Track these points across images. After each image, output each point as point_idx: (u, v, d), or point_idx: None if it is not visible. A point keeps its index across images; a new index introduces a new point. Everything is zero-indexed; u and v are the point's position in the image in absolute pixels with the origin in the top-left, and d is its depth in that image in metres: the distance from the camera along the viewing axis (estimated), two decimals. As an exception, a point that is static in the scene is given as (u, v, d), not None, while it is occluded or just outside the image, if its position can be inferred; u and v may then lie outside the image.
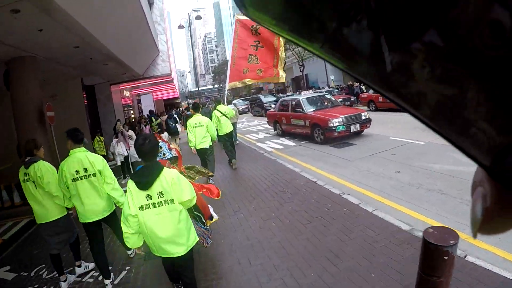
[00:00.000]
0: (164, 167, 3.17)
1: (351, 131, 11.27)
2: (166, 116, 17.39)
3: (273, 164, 9.64)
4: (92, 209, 4.35)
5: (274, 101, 27.51)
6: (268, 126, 17.27)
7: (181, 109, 35.31)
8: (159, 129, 12.20)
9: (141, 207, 3.04)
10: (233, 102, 30.46)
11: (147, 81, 23.08)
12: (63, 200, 4.51)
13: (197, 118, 8.56)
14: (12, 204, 10.51)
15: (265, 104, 28.07)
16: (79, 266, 5.04)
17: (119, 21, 10.41)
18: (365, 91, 23.09)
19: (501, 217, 0.26)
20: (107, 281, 4.47)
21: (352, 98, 22.32)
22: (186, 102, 75.14)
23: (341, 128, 11.10)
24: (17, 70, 9.11)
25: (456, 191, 5.74)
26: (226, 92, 12.57)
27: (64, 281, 4.69)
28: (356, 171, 7.94)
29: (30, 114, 9.30)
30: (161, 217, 3.06)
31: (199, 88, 62.04)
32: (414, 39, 0.25)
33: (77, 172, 4.26)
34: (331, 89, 27.42)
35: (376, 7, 0.25)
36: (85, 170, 4.27)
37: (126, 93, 24.83)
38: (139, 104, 32.13)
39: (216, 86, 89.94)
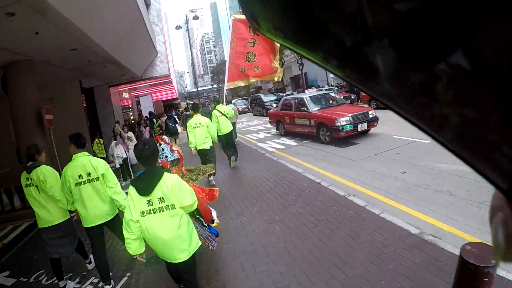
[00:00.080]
0: (165, 172, 3.16)
1: (359, 130, 10.94)
2: (166, 117, 17.26)
3: (275, 165, 9.49)
4: (95, 213, 4.39)
5: (275, 100, 27.30)
6: (269, 125, 17.13)
7: (180, 109, 35.20)
8: (160, 131, 12.13)
9: (142, 213, 3.04)
10: (232, 101, 30.08)
11: (146, 83, 23.02)
12: (66, 204, 4.55)
13: (197, 119, 8.51)
14: (13, 207, 10.57)
15: (266, 104, 27.69)
16: (89, 262, 5.21)
17: (116, 22, 10.37)
18: (366, 89, 22.91)
19: None
20: (107, 287, 4.46)
21: (353, 96, 22.00)
22: (185, 103, 75.10)
23: (348, 127, 10.76)
24: (14, 74, 9.12)
25: (465, 192, 5.58)
26: (225, 92, 12.47)
27: (63, 287, 4.71)
28: (360, 171, 7.78)
29: (28, 118, 9.34)
30: (162, 223, 3.05)
31: (198, 89, 61.89)
32: (439, 60, 0.24)
33: (80, 176, 4.29)
34: (331, 87, 27.12)
35: (400, 26, 0.24)
36: (88, 174, 4.31)
37: (125, 95, 24.77)
38: (139, 106, 32.06)
39: (215, 86, 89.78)
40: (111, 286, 4.48)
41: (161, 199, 3.02)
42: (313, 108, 12.48)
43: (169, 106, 45.89)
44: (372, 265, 3.91)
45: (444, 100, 0.25)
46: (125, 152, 10.56)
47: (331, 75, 34.13)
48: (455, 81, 0.23)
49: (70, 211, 4.76)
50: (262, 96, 30.64)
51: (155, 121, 17.50)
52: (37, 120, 9.48)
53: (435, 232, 4.55)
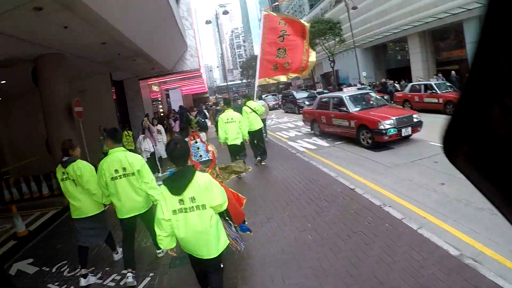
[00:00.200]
0: (197, 172, 3.19)
1: (403, 135, 10.17)
2: (196, 111, 17.10)
3: (307, 166, 9.21)
4: (130, 205, 4.55)
5: (307, 97, 26.66)
6: (299, 123, 16.80)
7: (209, 103, 35.24)
8: (198, 128, 11.95)
9: (174, 211, 3.08)
10: (263, 97, 29.65)
11: (176, 76, 23.07)
12: (101, 198, 4.76)
13: (229, 114, 8.51)
14: (41, 195, 10.91)
15: (298, 101, 26.88)
16: (116, 253, 5.39)
17: (146, 16, 10.42)
18: (399, 89, 22.20)
19: None
20: (129, 270, 4.60)
21: (386, 97, 21.33)
22: (214, 97, 75.32)
23: (392, 131, 9.92)
24: (44, 67, 9.29)
25: (509, 211, 5.15)
26: (255, 89, 12.22)
27: (84, 276, 4.77)
28: (396, 179, 7.41)
29: (58, 110, 9.55)
30: (193, 222, 3.08)
31: (228, 83, 62.02)
32: None
33: (116, 171, 4.43)
34: (363, 86, 26.29)
35: None
36: (124, 169, 4.44)
37: (155, 88, 24.93)
38: (168, 99, 32.26)
39: (244, 81, 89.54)
40: (134, 273, 4.61)
41: (193, 199, 3.05)
42: (353, 109, 11.61)
43: (198, 99, 46.12)
44: (410, 289, 3.60)
45: None
46: (152, 146, 10.50)
47: (364, 73, 33.41)
48: None
49: (104, 205, 4.97)
50: (294, 93, 29.80)
51: (193, 117, 17.23)
52: (66, 112, 9.66)
53: (476, 255, 4.21)
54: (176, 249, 3.38)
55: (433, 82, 18.18)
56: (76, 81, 13.25)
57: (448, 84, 17.57)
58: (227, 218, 4.02)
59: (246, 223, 4.92)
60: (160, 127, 11.25)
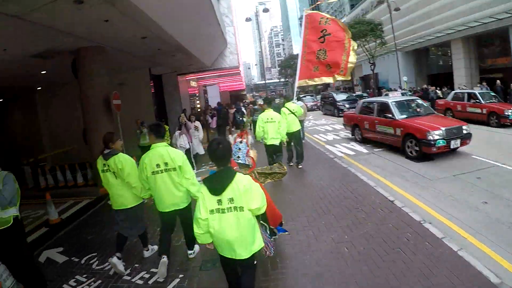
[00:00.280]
0: (237, 173, 3.16)
1: (451, 147, 9.56)
2: (234, 109, 17.01)
3: (345, 173, 8.95)
4: (169, 200, 4.61)
5: (347, 100, 25.98)
6: (337, 126, 16.39)
7: (246, 101, 35.22)
8: (249, 128, 11.79)
9: (211, 211, 3.09)
10: (301, 98, 29.17)
11: (214, 73, 23.15)
12: (140, 191, 4.85)
13: (269, 114, 8.46)
14: (75, 184, 11.16)
15: (338, 103, 25.90)
16: (147, 250, 5.42)
17: (187, 12, 10.44)
18: (441, 96, 21.35)
19: None
20: (164, 257, 4.66)
21: (426, 104, 20.51)
22: (251, 95, 75.31)
23: (440, 142, 9.31)
24: (84, 59, 9.47)
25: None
26: (295, 89, 12.00)
27: (119, 257, 4.91)
28: (437, 194, 7.05)
29: (96, 102, 9.72)
30: (229, 222, 3.07)
31: (266, 81, 62.00)
32: None
33: (157, 165, 4.51)
34: (403, 91, 25.48)
35: None
36: (166, 164, 4.51)
37: (193, 83, 25.14)
38: (205, 95, 32.45)
39: (282, 80, 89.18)
40: (166, 261, 4.63)
41: (231, 200, 3.04)
42: (400, 116, 11.01)
43: (235, 96, 46.09)
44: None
45: None
46: (188, 142, 10.48)
47: (404, 78, 32.47)
48: None
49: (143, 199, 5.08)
50: (334, 94, 28.49)
51: (245, 118, 16.89)
52: (105, 104, 9.82)
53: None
54: (208, 252, 3.49)
55: (477, 91, 17.47)
56: (116, 74, 13.52)
57: (493, 94, 16.85)
58: (262, 222, 4.03)
59: (283, 225, 4.90)
60: (198, 123, 11.18)
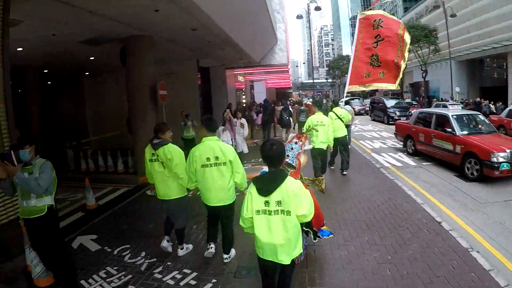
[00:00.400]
0: (289, 176, 3.07)
1: None
2: (281, 107, 16.52)
3: (391, 186, 8.39)
4: (215, 194, 4.61)
5: (397, 107, 24.91)
6: (385, 134, 15.64)
7: (292, 100, 34.82)
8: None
9: (257, 211, 3.04)
10: (349, 101, 28.26)
11: (262, 69, 22.95)
12: (186, 182, 4.85)
13: (319, 117, 8.20)
14: (115, 170, 11.16)
15: (388, 110, 24.53)
16: (182, 249, 5.30)
17: (238, 5, 10.32)
18: (495, 112, 20.00)
19: None
20: (211, 244, 4.96)
21: (488, 121, 19.18)
22: (297, 93, 74.61)
23: (505, 166, 8.23)
24: (133, 47, 9.51)
25: None
26: (345, 94, 11.56)
27: (168, 240, 5.21)
28: (487, 219, 6.42)
29: (143, 91, 9.72)
30: (274, 225, 3.01)
31: (314, 81, 61.30)
32: None
33: (208, 159, 4.53)
34: (454, 102, 23.87)
35: None
36: (216, 158, 4.51)
37: (240, 78, 25.06)
38: (252, 90, 32.37)
39: (329, 80, 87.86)
40: (212, 249, 4.89)
41: (279, 203, 2.97)
42: (461, 132, 9.96)
43: (281, 94, 45.81)
44: None
45: None
46: (231, 139, 10.25)
47: (457, 88, 30.93)
48: None
49: (188, 190, 5.08)
50: (385, 100, 26.88)
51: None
52: (150, 94, 9.83)
53: None
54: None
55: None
56: (163, 64, 13.54)
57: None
58: (303, 227, 3.96)
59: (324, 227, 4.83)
60: (243, 120, 10.79)
